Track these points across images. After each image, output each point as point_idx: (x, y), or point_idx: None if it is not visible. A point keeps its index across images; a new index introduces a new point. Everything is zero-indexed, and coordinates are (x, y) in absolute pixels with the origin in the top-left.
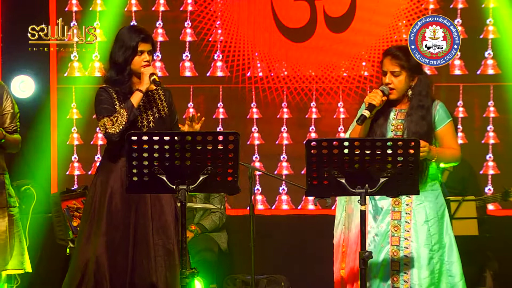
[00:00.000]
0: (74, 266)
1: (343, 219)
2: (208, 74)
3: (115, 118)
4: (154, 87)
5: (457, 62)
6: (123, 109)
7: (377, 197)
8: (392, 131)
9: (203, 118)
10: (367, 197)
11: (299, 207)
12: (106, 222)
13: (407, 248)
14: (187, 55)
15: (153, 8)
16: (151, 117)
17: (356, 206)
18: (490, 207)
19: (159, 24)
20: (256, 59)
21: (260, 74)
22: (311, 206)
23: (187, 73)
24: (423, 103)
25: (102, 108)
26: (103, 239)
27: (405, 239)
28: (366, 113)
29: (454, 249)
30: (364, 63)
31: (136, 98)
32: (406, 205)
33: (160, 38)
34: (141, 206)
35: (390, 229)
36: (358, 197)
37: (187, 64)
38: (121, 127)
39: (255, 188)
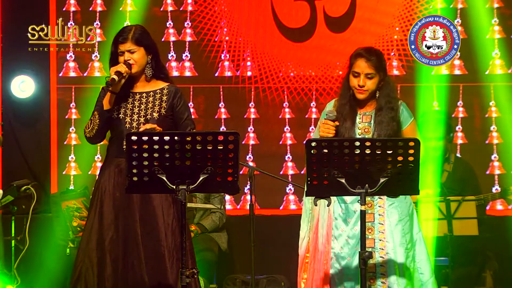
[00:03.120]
0: (74, 264)
1: (309, 230)
2: (216, 75)
3: (90, 121)
4: (161, 85)
5: (457, 62)
6: (96, 111)
7: (348, 200)
8: (360, 135)
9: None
10: (336, 200)
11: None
12: (98, 221)
13: (382, 249)
14: (187, 55)
15: (161, 9)
16: (142, 119)
17: (322, 213)
18: (499, 207)
19: (169, 24)
20: (256, 59)
21: (260, 74)
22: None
23: (187, 73)
24: (392, 105)
25: (93, 110)
26: (95, 237)
27: (380, 240)
28: None
29: (424, 246)
30: None
31: (105, 99)
32: (379, 206)
33: (172, 38)
34: (129, 208)
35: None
36: (323, 205)
37: (187, 64)
38: (94, 131)
39: (246, 188)
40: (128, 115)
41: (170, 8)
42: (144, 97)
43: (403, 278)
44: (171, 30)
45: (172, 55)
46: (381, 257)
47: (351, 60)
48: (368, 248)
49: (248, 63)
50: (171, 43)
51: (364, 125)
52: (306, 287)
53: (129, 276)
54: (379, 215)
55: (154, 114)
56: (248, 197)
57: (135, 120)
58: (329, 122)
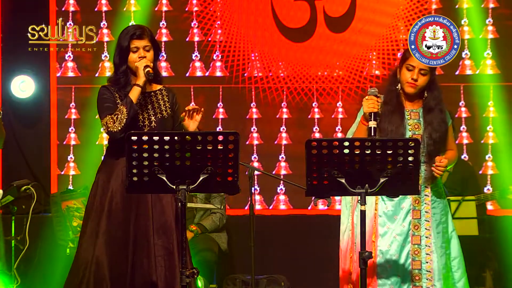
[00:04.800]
0: (75, 266)
1: (350, 225)
2: (207, 74)
3: (116, 116)
4: (158, 87)
5: (467, 62)
6: (122, 106)
7: (396, 198)
8: (410, 131)
9: (202, 109)
10: (379, 198)
11: (309, 207)
12: (106, 221)
13: (429, 246)
14: (196, 55)
15: (156, 8)
16: (153, 117)
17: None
18: (489, 207)
19: (163, 24)
20: (256, 59)
21: (260, 74)
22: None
23: (198, 73)
24: (441, 107)
25: (104, 107)
26: (103, 238)
27: (426, 237)
28: (374, 124)
29: (457, 245)
30: (364, 63)
31: (134, 93)
32: (425, 203)
33: (164, 38)
34: (142, 206)
35: (411, 228)
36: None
37: (197, 64)
38: (122, 124)
39: (253, 188)
40: (139, 113)
41: (164, 8)
42: (147, 96)
43: (442, 276)
44: (163, 30)
45: (162, 55)
46: (427, 254)
47: (406, 54)
48: (415, 245)
49: (249, 63)
50: (163, 43)
51: (413, 121)
52: (354, 282)
53: (137, 275)
54: (425, 212)
55: (163, 113)
56: (257, 197)
57: (146, 118)
58: (373, 98)
